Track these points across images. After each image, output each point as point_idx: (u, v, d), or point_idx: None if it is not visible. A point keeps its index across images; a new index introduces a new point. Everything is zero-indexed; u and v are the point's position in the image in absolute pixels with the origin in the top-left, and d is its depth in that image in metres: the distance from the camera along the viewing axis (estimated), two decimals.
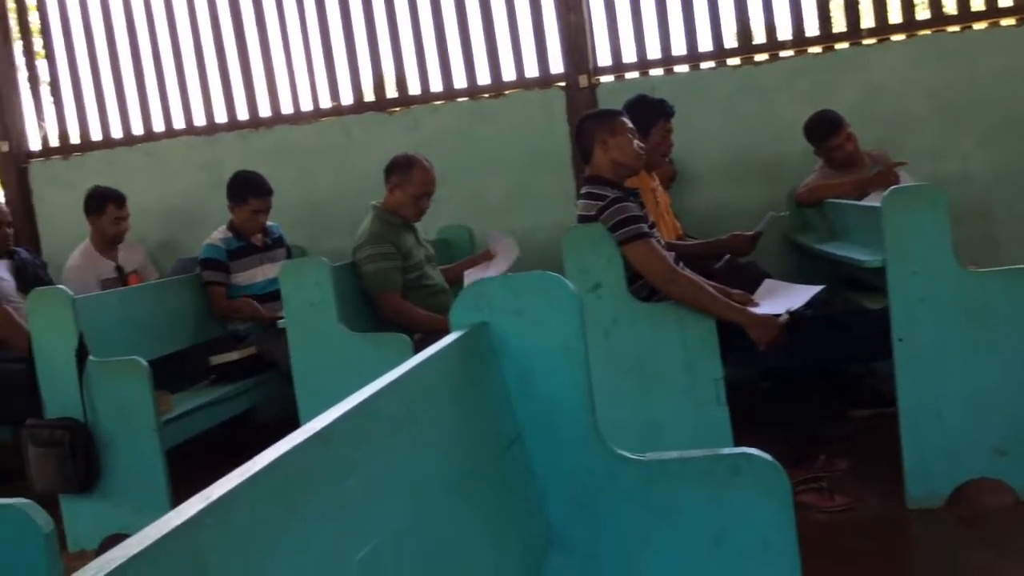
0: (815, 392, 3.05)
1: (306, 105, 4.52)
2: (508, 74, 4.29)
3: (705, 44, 4.14)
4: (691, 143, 3.95)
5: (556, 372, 1.42)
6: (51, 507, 1.55)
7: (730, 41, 4.18)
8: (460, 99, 4.33)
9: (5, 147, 4.74)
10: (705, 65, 4.14)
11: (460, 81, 4.34)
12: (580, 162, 3.67)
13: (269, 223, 3.95)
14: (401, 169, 3.44)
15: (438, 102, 4.35)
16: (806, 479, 2.75)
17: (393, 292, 3.36)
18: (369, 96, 4.46)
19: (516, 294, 1.42)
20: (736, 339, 2.69)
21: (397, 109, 4.39)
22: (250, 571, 0.70)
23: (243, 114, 4.58)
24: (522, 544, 1.35)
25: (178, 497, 2.97)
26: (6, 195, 4.74)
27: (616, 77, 4.19)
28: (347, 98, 4.48)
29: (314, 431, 0.87)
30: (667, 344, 2.74)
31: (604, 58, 4.21)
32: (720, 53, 4.14)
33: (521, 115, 4.21)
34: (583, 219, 2.84)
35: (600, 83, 4.16)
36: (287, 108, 4.54)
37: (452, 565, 1.12)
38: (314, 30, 4.45)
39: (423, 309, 3.38)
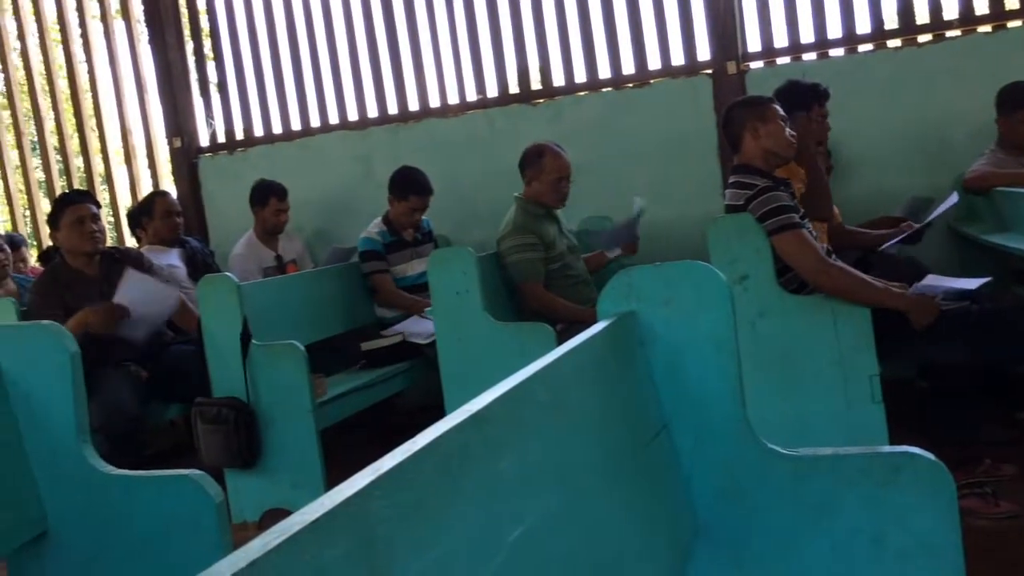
0: (978, 392, 2.88)
1: (453, 98, 4.62)
2: (653, 62, 4.24)
3: (863, 26, 3.95)
4: (848, 130, 3.79)
5: (705, 363, 1.40)
6: (217, 480, 1.68)
7: (891, 22, 3.97)
8: (604, 89, 4.31)
9: (178, 143, 5.08)
10: (863, 48, 3.96)
11: (604, 71, 4.32)
12: (727, 151, 3.59)
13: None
14: (532, 160, 3.50)
15: (582, 92, 4.35)
16: (969, 483, 2.60)
17: (536, 282, 3.40)
18: (514, 88, 4.51)
19: (665, 283, 1.41)
20: (892, 333, 2.57)
21: (541, 100, 4.41)
22: (415, 544, 0.73)
23: (393, 108, 4.73)
24: (669, 534, 1.34)
25: (330, 476, 3.12)
26: (178, 188, 5.08)
27: (767, 63, 4.07)
28: (492, 90, 4.54)
29: (471, 412, 0.89)
30: (818, 338, 2.65)
31: (754, 43, 4.09)
32: (880, 35, 3.94)
33: (666, 104, 4.15)
34: (731, 209, 2.78)
35: (749, 69, 4.04)
36: (435, 101, 4.65)
37: (600, 551, 1.12)
38: (461, 24, 4.53)
39: (565, 299, 3.40)
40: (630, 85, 4.27)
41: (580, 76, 4.37)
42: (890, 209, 3.66)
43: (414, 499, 0.75)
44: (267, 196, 4.30)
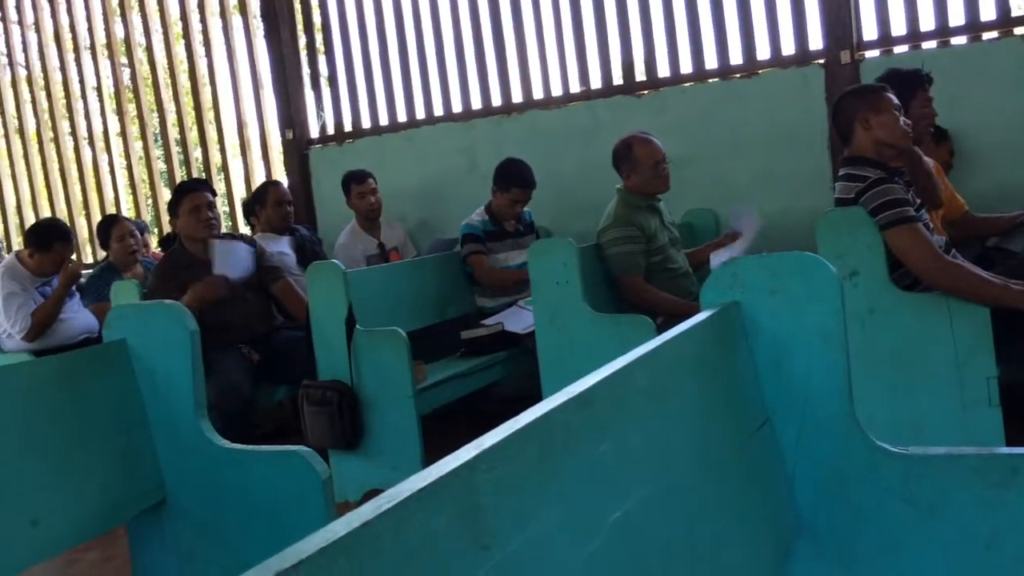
0: None
1: (556, 90, 4.62)
2: (763, 52, 4.14)
3: (988, 12, 3.76)
4: (971, 122, 3.61)
5: (812, 356, 1.37)
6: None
7: (1017, 8, 3.77)
8: (711, 80, 4.23)
9: (290, 135, 5.26)
10: (987, 36, 3.76)
11: (711, 61, 4.24)
12: (839, 143, 3.48)
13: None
14: (623, 156, 3.48)
15: (687, 84, 4.28)
16: None
17: (636, 275, 3.38)
18: (618, 79, 4.48)
19: (772, 274, 1.38)
20: (1013, 333, 2.45)
21: (645, 92, 4.37)
22: (518, 517, 0.75)
23: (497, 100, 4.76)
24: (769, 529, 1.32)
25: (428, 462, 3.18)
26: (289, 178, 5.25)
27: (883, 52, 3.91)
28: (596, 82, 4.53)
29: (574, 394, 0.90)
30: (933, 337, 2.55)
31: (870, 31, 3.94)
32: (1006, 22, 3.73)
33: (775, 95, 4.05)
34: (841, 202, 2.70)
35: (864, 59, 3.90)
36: (538, 93, 4.66)
37: (698, 541, 1.12)
38: (566, 15, 4.53)
39: (666, 292, 3.37)
40: (738, 76, 4.18)
41: (686, 67, 4.30)
42: (1016, 204, 3.48)
43: (516, 474, 0.76)
44: (348, 184, 4.45)
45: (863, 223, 2.58)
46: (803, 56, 4.04)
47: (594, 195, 4.04)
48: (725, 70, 4.21)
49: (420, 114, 4.98)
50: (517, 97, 4.71)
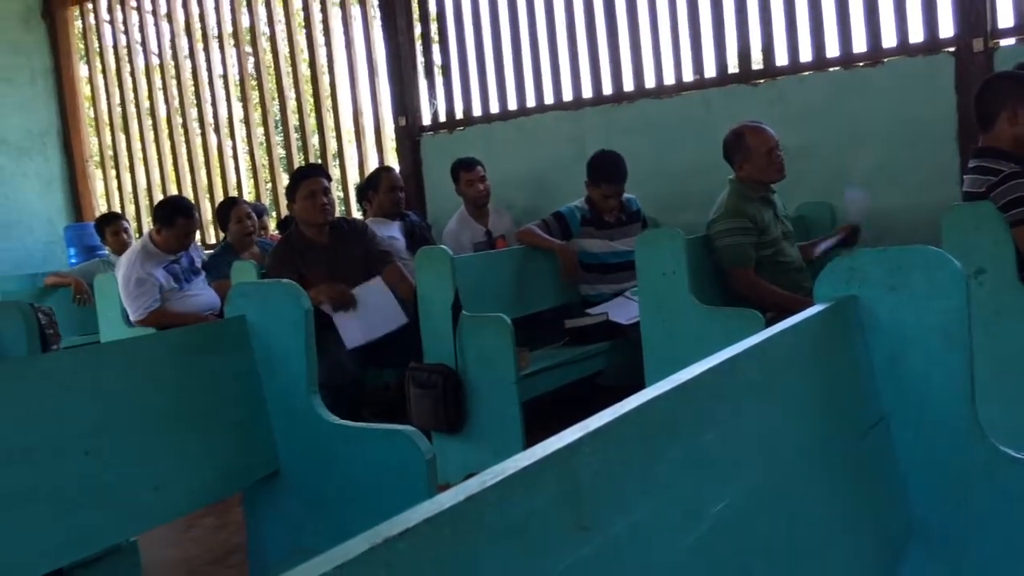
0: None
1: (669, 78, 4.55)
2: (889, 40, 3.97)
3: None
4: None
5: (932, 355, 1.31)
6: None
7: None
8: (831, 69, 4.08)
9: (402, 122, 5.36)
10: None
11: (833, 49, 4.09)
12: (967, 137, 3.32)
13: (627, 196, 4.07)
14: (735, 146, 3.39)
15: (806, 72, 4.15)
16: None
17: (746, 267, 3.31)
18: (734, 68, 4.38)
19: (893, 268, 1.33)
20: None
21: (762, 81, 4.26)
22: (619, 502, 0.75)
23: (608, 89, 4.73)
24: (879, 532, 1.28)
25: (529, 448, 3.19)
26: (401, 165, 5.36)
27: (1019, 40, 3.69)
28: (711, 70, 4.44)
29: (679, 382, 0.89)
30: None
31: (1006, 18, 3.73)
32: None
33: (900, 84, 3.88)
34: (969, 196, 2.57)
35: (999, 47, 3.69)
36: (650, 82, 4.61)
37: (803, 538, 1.09)
38: (682, 1, 4.45)
39: (777, 286, 3.29)
40: (861, 64, 4.02)
41: (806, 55, 4.16)
42: None
43: (619, 459, 0.76)
44: (457, 172, 4.51)
45: (992, 219, 2.45)
46: (932, 44, 3.85)
47: (705, 186, 3.96)
48: (848, 58, 4.06)
49: (530, 102, 5.00)
50: (628, 86, 4.67)
